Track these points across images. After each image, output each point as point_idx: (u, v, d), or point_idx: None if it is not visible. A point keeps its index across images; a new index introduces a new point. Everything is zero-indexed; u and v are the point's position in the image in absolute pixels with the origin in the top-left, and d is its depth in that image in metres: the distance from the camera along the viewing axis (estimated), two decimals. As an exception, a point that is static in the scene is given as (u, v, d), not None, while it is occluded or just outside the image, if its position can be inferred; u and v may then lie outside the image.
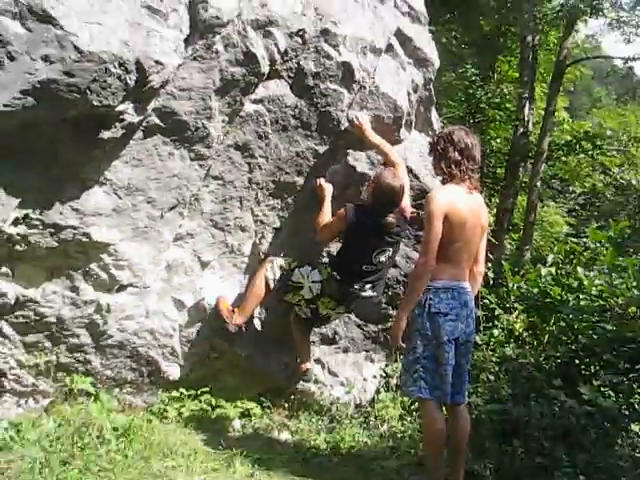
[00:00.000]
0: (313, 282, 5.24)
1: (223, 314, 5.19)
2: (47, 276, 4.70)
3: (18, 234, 4.38)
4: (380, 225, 5.05)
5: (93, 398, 4.98)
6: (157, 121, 4.61)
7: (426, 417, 4.29)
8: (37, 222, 4.41)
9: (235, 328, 5.21)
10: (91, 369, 5.10)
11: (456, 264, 4.28)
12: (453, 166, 4.29)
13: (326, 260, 5.53)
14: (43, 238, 4.48)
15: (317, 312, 5.39)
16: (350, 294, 5.22)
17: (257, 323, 5.58)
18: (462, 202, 4.22)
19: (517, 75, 17.69)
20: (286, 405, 5.80)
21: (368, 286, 5.22)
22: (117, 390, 5.27)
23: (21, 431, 4.43)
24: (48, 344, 4.88)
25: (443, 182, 4.41)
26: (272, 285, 5.27)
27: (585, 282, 6.20)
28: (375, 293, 5.30)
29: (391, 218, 5.06)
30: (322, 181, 5.36)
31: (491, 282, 7.40)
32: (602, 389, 5.30)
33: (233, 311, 5.23)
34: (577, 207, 22.77)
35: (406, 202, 5.22)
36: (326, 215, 5.24)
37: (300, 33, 4.98)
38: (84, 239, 4.61)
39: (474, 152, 4.33)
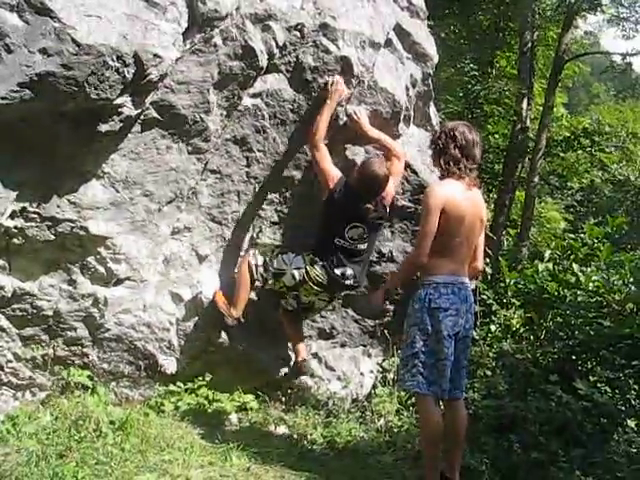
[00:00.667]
0: (296, 268, 5.21)
1: (221, 308, 5.20)
2: (44, 269, 4.70)
3: (15, 227, 4.38)
4: (358, 209, 5.08)
5: (90, 391, 4.97)
6: (155, 114, 4.61)
7: (423, 412, 4.30)
8: (34, 215, 4.40)
9: (233, 321, 5.22)
10: (88, 362, 5.10)
11: (456, 259, 4.28)
12: (451, 163, 4.27)
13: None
14: (40, 231, 4.48)
15: (300, 301, 5.41)
16: (333, 280, 5.19)
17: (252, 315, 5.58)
18: (460, 197, 4.21)
19: (515, 71, 17.67)
20: (283, 399, 5.80)
21: (349, 272, 5.19)
22: (114, 383, 5.27)
23: (18, 424, 4.43)
24: (45, 337, 4.88)
25: (441, 177, 4.41)
26: (255, 272, 5.27)
27: (582, 278, 6.21)
28: (357, 282, 5.28)
29: (370, 205, 5.09)
30: (337, 77, 5.18)
31: (488, 278, 7.41)
32: (598, 385, 5.32)
33: (230, 304, 5.25)
34: (575, 203, 22.76)
35: (389, 189, 5.23)
36: (323, 124, 5.09)
37: (299, 27, 4.97)
38: (81, 232, 4.61)
39: (474, 151, 4.32)
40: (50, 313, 4.79)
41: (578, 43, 21.06)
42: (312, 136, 5.09)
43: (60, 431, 4.35)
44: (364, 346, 6.23)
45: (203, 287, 5.34)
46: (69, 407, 4.65)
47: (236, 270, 5.41)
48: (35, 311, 4.73)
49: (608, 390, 5.28)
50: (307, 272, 5.19)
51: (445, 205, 4.15)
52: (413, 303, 4.30)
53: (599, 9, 16.73)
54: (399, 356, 5.00)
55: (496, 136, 18.37)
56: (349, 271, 5.20)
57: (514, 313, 6.69)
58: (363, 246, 5.22)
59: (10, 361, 4.82)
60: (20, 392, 4.96)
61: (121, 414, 4.70)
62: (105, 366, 5.18)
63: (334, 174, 5.10)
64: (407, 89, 5.62)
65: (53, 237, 4.54)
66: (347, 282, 5.22)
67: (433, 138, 4.48)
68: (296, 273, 5.21)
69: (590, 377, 5.42)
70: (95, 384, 5.06)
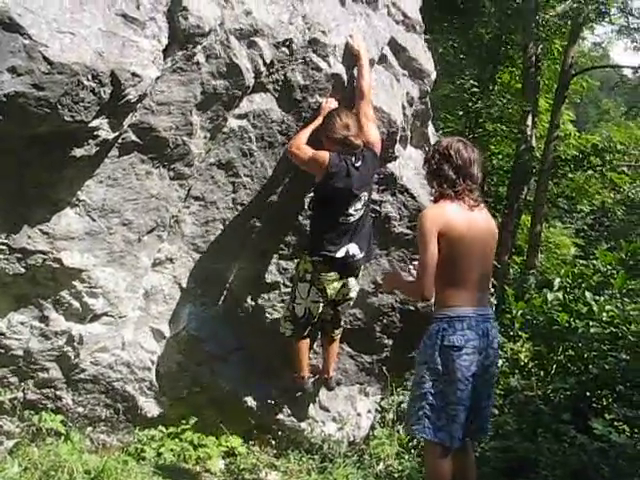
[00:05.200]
0: (306, 296, 5.15)
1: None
2: (14, 305, 4.68)
3: (-18, 260, 4.36)
4: (351, 165, 5.00)
5: (63, 438, 4.93)
6: (134, 137, 4.60)
7: (429, 460, 4.20)
8: (3, 247, 4.39)
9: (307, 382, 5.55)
10: (62, 406, 5.07)
11: (469, 287, 4.13)
12: (445, 185, 4.19)
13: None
14: (10, 264, 4.46)
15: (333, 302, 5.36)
16: (340, 265, 5.11)
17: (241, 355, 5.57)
18: (461, 217, 4.11)
19: (519, 86, 17.82)
20: (274, 443, 5.76)
21: (354, 247, 5.09)
22: (90, 429, 5.23)
23: (-18, 477, 4.39)
24: (14, 379, 4.85)
25: (435, 200, 4.31)
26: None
27: (595, 308, 6.22)
28: (362, 252, 5.17)
29: (355, 140, 4.98)
30: (331, 100, 5.18)
31: (493, 308, 7.42)
32: (616, 424, 5.29)
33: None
34: (585, 227, 22.86)
35: (375, 136, 5.15)
36: (306, 132, 5.05)
37: (287, 43, 4.99)
38: (55, 265, 4.60)
39: (472, 169, 4.23)
40: (20, 353, 4.76)
41: (586, 56, 21.32)
42: (293, 141, 5.03)
43: (30, 483, 4.31)
44: (360, 384, 6.20)
45: (187, 323, 5.32)
46: (40, 456, 4.61)
47: None
48: (3, 351, 4.70)
49: (626, 429, 5.25)
50: (318, 287, 5.13)
51: (443, 228, 4.04)
52: (425, 338, 4.19)
53: (607, 19, 16.91)
54: (409, 396, 4.89)
55: (499, 157, 18.48)
56: (353, 248, 5.10)
57: (522, 346, 6.69)
58: (362, 212, 5.12)
59: (-25, 407, 4.79)
60: (-14, 440, 4.92)
61: (97, 462, 4.66)
62: (80, 410, 5.14)
63: (322, 154, 4.96)
64: (403, 108, 5.65)
65: (23, 270, 4.52)
66: (350, 260, 5.12)
67: (426, 157, 4.40)
68: (313, 298, 5.17)
69: (606, 415, 5.40)
70: (69, 430, 5.02)
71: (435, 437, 4.07)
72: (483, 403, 4.20)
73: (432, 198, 4.44)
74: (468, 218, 4.15)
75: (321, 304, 5.22)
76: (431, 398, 4.08)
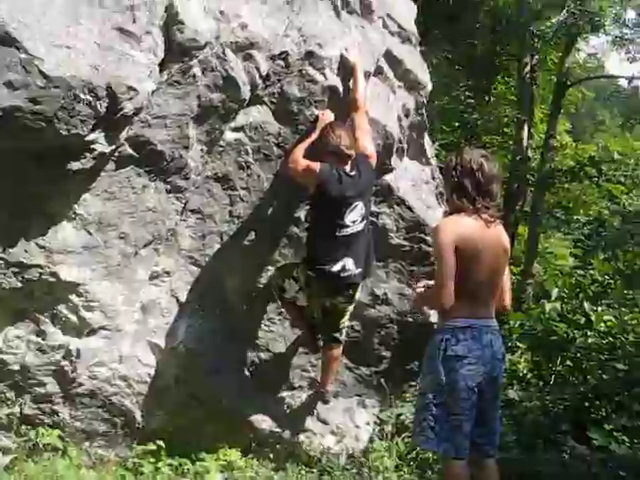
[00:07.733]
0: (297, 291, 5.26)
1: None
2: (10, 320, 4.67)
3: (-22, 274, 4.36)
4: (344, 173, 4.99)
5: (61, 453, 4.92)
6: (130, 151, 4.61)
7: (446, 473, 4.16)
8: (0, 261, 4.38)
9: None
10: (59, 421, 5.05)
11: (475, 300, 4.10)
12: (465, 200, 4.12)
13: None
14: (6, 278, 4.45)
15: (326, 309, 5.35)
16: (335, 280, 5.08)
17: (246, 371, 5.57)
18: (475, 232, 4.07)
19: (515, 97, 17.86)
20: (272, 456, 5.74)
21: (349, 263, 5.04)
22: (87, 444, 5.21)
23: (-22, 493, 4.37)
24: (11, 395, 4.84)
25: (450, 213, 4.25)
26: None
27: (593, 318, 6.22)
28: (358, 268, 5.10)
29: (347, 150, 4.99)
30: (327, 112, 5.23)
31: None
32: (615, 434, 5.28)
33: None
34: (582, 237, 22.83)
35: (370, 149, 5.17)
36: (303, 145, 5.09)
37: (283, 56, 5.01)
38: (51, 279, 4.59)
39: (492, 187, 4.15)
40: (16, 368, 4.75)
41: (581, 67, 21.35)
42: (290, 156, 5.06)
43: (26, 499, 4.29)
44: (359, 396, 6.18)
45: (184, 336, 5.31)
46: (37, 472, 4.59)
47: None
48: (0, 366, 4.68)
49: (626, 439, 5.24)
50: (308, 290, 5.19)
51: (458, 241, 3.99)
52: (428, 349, 4.17)
53: (601, 30, 16.95)
54: (414, 407, 4.82)
55: (496, 167, 18.45)
56: (349, 263, 5.05)
57: (520, 357, 6.68)
58: (360, 227, 5.08)
59: (-29, 422, 4.78)
60: (-18, 456, 4.90)
61: (95, 477, 4.64)
62: (77, 425, 5.12)
63: (313, 165, 4.97)
64: (399, 120, 5.67)
65: (20, 284, 4.51)
66: (347, 274, 5.07)
67: (447, 167, 4.27)
68: (300, 295, 5.26)
69: (605, 425, 5.38)
70: (66, 445, 5.00)
71: (438, 448, 4.05)
72: (490, 415, 4.15)
73: (448, 209, 4.36)
74: (482, 234, 4.09)
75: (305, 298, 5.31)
76: (434, 409, 4.04)
